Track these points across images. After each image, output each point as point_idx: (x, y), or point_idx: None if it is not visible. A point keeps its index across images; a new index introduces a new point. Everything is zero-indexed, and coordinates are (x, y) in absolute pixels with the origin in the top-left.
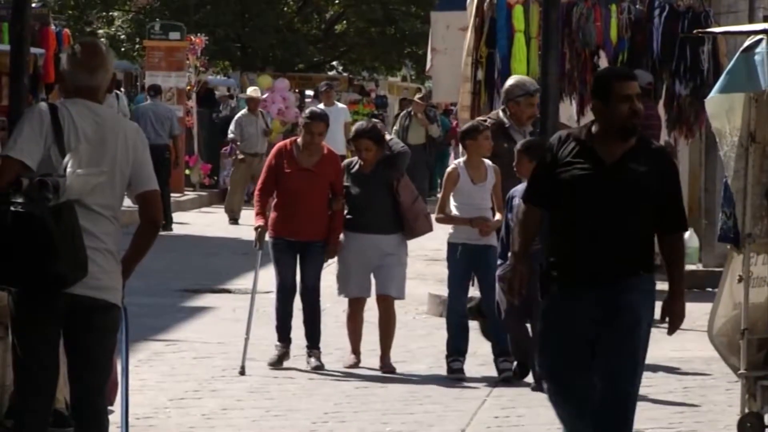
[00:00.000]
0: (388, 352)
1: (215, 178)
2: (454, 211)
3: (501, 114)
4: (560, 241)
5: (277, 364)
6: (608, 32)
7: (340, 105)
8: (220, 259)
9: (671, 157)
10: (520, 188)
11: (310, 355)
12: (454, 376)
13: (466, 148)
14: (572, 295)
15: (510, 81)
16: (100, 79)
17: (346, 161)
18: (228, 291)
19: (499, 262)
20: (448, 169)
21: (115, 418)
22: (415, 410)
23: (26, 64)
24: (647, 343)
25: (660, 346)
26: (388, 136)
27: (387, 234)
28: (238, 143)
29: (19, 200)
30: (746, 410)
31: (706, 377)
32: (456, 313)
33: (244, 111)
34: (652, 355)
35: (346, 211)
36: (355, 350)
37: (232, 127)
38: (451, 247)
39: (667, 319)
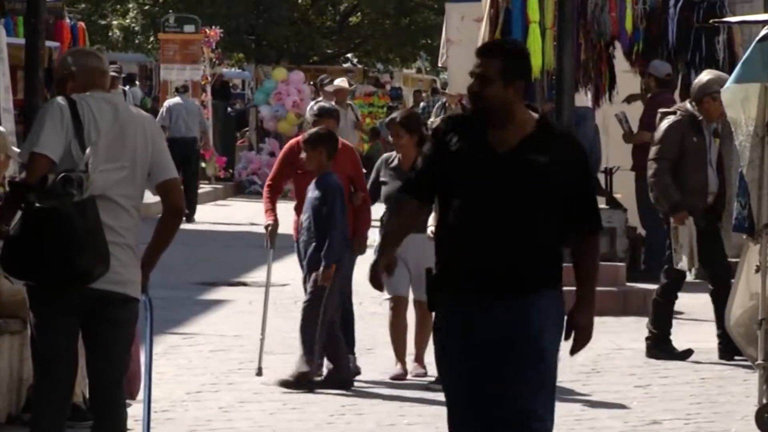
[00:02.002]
0: (423, 356)
1: (231, 171)
2: None
3: (690, 107)
4: (446, 245)
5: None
6: (623, 23)
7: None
8: (235, 252)
9: (581, 145)
10: None
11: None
12: None
13: None
14: (462, 312)
15: (707, 76)
16: (106, 65)
17: (385, 155)
18: (244, 284)
19: None
20: None
21: (132, 411)
22: (432, 402)
23: (41, 57)
24: (554, 374)
25: (677, 338)
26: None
27: (425, 233)
28: None
29: (44, 196)
30: (764, 401)
31: (723, 368)
32: None
33: (332, 102)
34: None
35: (383, 208)
36: (400, 359)
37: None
38: None
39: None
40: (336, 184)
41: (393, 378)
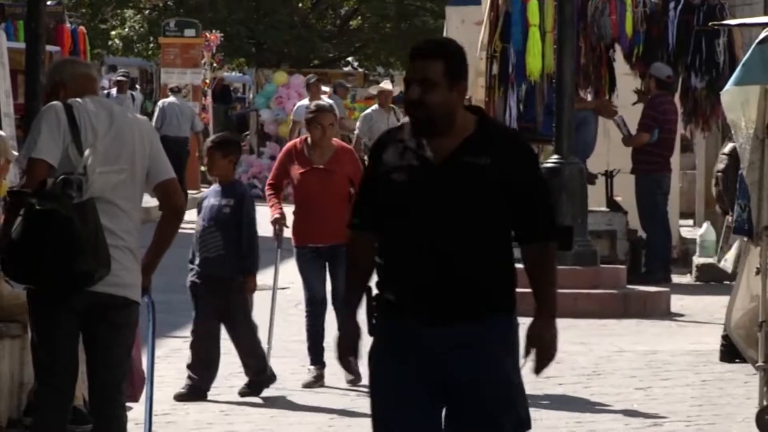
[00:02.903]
0: None
1: None
2: None
3: None
4: (386, 266)
5: (315, 384)
6: (623, 26)
7: (328, 100)
8: None
9: (528, 143)
10: None
11: None
12: None
13: None
14: (404, 340)
15: None
16: (95, 72)
17: None
18: None
19: None
20: None
21: (133, 414)
22: None
23: (41, 62)
24: (523, 403)
25: (677, 340)
26: None
27: None
28: (363, 140)
29: (44, 199)
30: (764, 403)
31: (724, 370)
32: None
33: (374, 106)
34: (670, 349)
35: None
36: None
37: (359, 123)
38: None
39: (532, 353)
40: (249, 191)
41: None
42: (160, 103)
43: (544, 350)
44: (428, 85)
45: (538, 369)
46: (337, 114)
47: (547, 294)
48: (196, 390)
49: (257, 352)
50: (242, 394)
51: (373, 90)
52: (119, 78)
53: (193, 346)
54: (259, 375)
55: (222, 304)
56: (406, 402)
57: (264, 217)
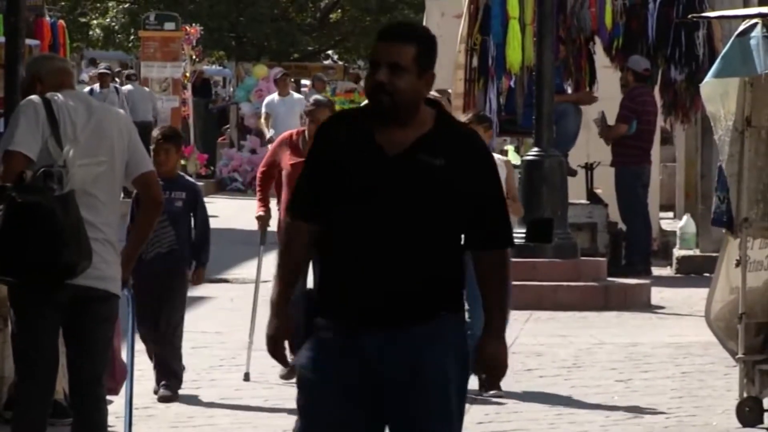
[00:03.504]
0: None
1: (212, 168)
2: None
3: None
4: (329, 264)
5: (289, 376)
6: (603, 18)
7: (296, 95)
8: (217, 249)
9: (485, 145)
10: None
11: None
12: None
13: None
14: (340, 341)
15: None
16: (70, 67)
17: None
18: (226, 281)
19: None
20: None
21: (113, 408)
22: None
23: (21, 55)
24: (461, 414)
25: (657, 332)
26: None
27: None
28: None
29: (26, 192)
30: (744, 395)
31: (704, 362)
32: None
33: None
34: (650, 341)
35: None
36: None
37: None
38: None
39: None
40: (196, 184)
41: None
42: (123, 89)
43: (498, 369)
44: (398, 70)
45: (492, 386)
46: (335, 110)
47: (498, 307)
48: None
49: (179, 352)
50: (163, 398)
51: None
52: (102, 71)
53: (149, 352)
54: (178, 375)
55: (162, 291)
56: (340, 426)
57: (246, 211)
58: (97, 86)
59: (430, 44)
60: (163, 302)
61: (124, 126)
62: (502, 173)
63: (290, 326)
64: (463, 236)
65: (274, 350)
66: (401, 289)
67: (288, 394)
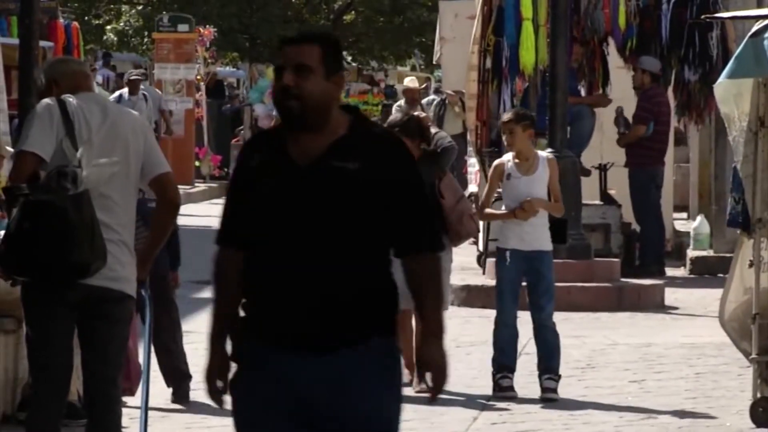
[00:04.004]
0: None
1: (225, 169)
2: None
3: None
4: (251, 285)
5: None
6: (617, 19)
7: None
8: None
9: (404, 145)
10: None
11: None
12: (503, 395)
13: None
14: (267, 370)
15: None
16: (87, 69)
17: None
18: None
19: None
20: (496, 162)
21: (127, 409)
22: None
23: (35, 57)
24: None
25: (671, 333)
26: (433, 130)
27: None
28: None
29: (39, 191)
30: (758, 395)
31: (717, 363)
32: (505, 327)
33: (401, 102)
34: (664, 342)
35: None
36: (408, 365)
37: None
38: (500, 252)
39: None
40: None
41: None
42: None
43: (439, 374)
44: (304, 71)
45: (435, 394)
46: None
47: (431, 312)
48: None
49: (182, 353)
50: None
51: (398, 86)
52: (133, 77)
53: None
54: (185, 379)
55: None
56: None
57: None
58: (126, 92)
59: (335, 46)
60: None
61: (139, 128)
62: (547, 172)
63: (226, 363)
64: (390, 246)
65: (209, 388)
66: (325, 308)
67: None
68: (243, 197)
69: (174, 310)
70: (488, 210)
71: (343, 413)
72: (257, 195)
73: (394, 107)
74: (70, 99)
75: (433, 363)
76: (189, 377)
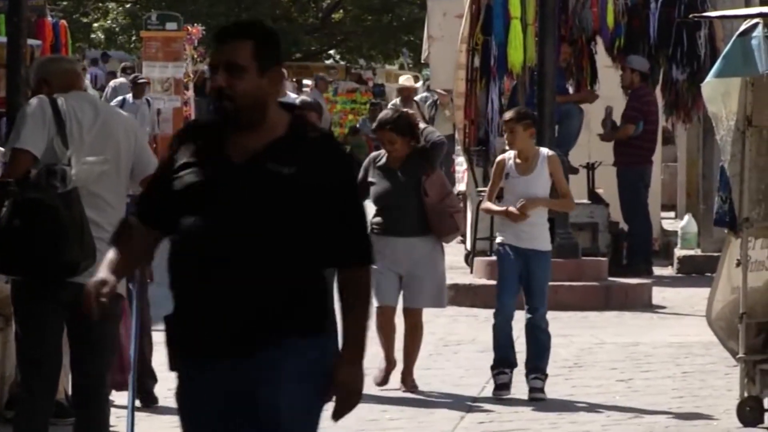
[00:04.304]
0: (412, 369)
1: None
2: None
3: None
4: (175, 284)
5: None
6: (605, 18)
7: (293, 95)
8: None
9: (343, 151)
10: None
11: None
12: (499, 393)
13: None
14: (197, 370)
15: None
16: (79, 67)
17: (372, 154)
18: None
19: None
20: (498, 158)
21: (115, 408)
22: (413, 398)
23: (23, 55)
24: None
25: (659, 332)
26: (421, 125)
27: (418, 236)
28: None
29: (29, 189)
30: (745, 394)
31: (705, 362)
32: (505, 321)
33: (395, 101)
34: (652, 341)
35: (373, 211)
36: (388, 357)
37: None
38: (499, 248)
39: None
40: None
41: (381, 370)
42: (111, 83)
43: (349, 398)
44: (235, 70)
45: (338, 416)
46: (323, 110)
47: (355, 329)
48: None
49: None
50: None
51: (395, 85)
52: (140, 81)
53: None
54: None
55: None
56: None
57: None
58: (130, 96)
59: (270, 39)
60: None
61: (130, 128)
62: (547, 170)
63: (111, 287)
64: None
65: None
66: (243, 311)
67: None
68: (168, 182)
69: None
70: (486, 204)
71: (263, 414)
72: (185, 185)
73: (390, 105)
74: (63, 98)
75: (346, 385)
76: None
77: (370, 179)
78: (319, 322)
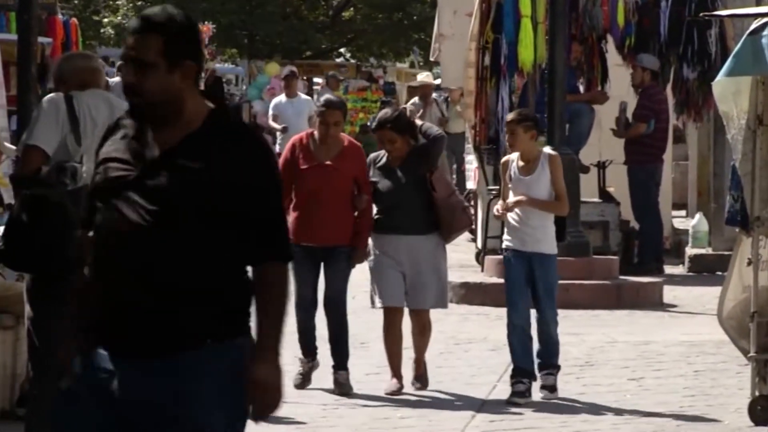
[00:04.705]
0: (422, 362)
1: None
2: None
3: None
4: (87, 285)
5: (303, 384)
6: (615, 16)
7: (304, 97)
8: None
9: (261, 144)
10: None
11: (336, 377)
12: (511, 400)
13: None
14: (96, 377)
15: None
16: (97, 63)
17: (372, 154)
18: None
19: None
20: (504, 158)
21: None
22: (425, 396)
23: (34, 53)
24: None
25: (670, 331)
26: (419, 122)
27: (422, 235)
28: None
29: (38, 185)
30: (757, 393)
31: (716, 361)
32: (517, 329)
33: (415, 99)
34: (663, 339)
35: (374, 210)
36: (396, 373)
37: None
38: (504, 254)
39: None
40: None
41: (389, 393)
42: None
43: (268, 397)
44: (143, 66)
45: (259, 417)
46: (346, 111)
47: (269, 326)
48: None
49: None
50: None
51: (413, 83)
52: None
53: None
54: None
55: None
56: None
57: None
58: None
59: (182, 30)
60: None
61: None
62: (547, 170)
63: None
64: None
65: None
66: (152, 310)
67: (299, 393)
68: (95, 177)
69: None
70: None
71: (170, 422)
72: (98, 182)
73: (409, 104)
74: (78, 95)
75: (262, 382)
76: None
77: (371, 179)
78: (238, 323)
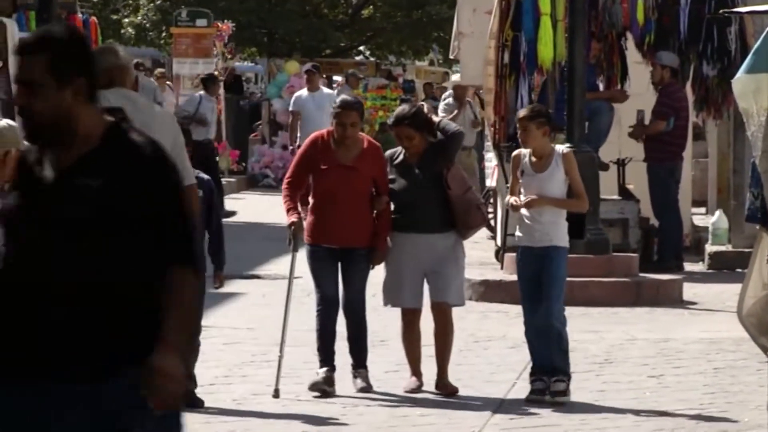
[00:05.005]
0: (446, 369)
1: (243, 164)
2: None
3: None
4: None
5: (322, 394)
6: (635, 14)
7: (326, 90)
8: (249, 245)
9: (159, 153)
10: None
11: (356, 376)
12: (531, 397)
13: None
14: (7, 405)
15: None
16: (125, 61)
17: (389, 152)
18: (258, 276)
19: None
20: (514, 153)
21: None
22: (445, 394)
23: None
24: None
25: (690, 328)
26: (436, 118)
27: (440, 233)
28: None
29: None
30: None
31: (736, 358)
32: (532, 327)
33: (449, 100)
34: (682, 337)
35: (392, 209)
36: (415, 371)
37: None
38: (516, 250)
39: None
40: (212, 183)
41: (408, 391)
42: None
43: (170, 386)
44: (32, 87)
45: (160, 405)
46: (363, 112)
47: (173, 323)
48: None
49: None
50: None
51: (447, 84)
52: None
53: None
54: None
55: None
56: None
57: (278, 208)
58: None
59: (69, 47)
60: None
61: (167, 129)
62: (561, 168)
63: None
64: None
65: None
66: (61, 335)
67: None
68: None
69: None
70: (507, 198)
71: None
72: (7, 209)
73: (442, 104)
74: (102, 94)
75: (163, 371)
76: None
77: (389, 177)
78: (150, 346)
